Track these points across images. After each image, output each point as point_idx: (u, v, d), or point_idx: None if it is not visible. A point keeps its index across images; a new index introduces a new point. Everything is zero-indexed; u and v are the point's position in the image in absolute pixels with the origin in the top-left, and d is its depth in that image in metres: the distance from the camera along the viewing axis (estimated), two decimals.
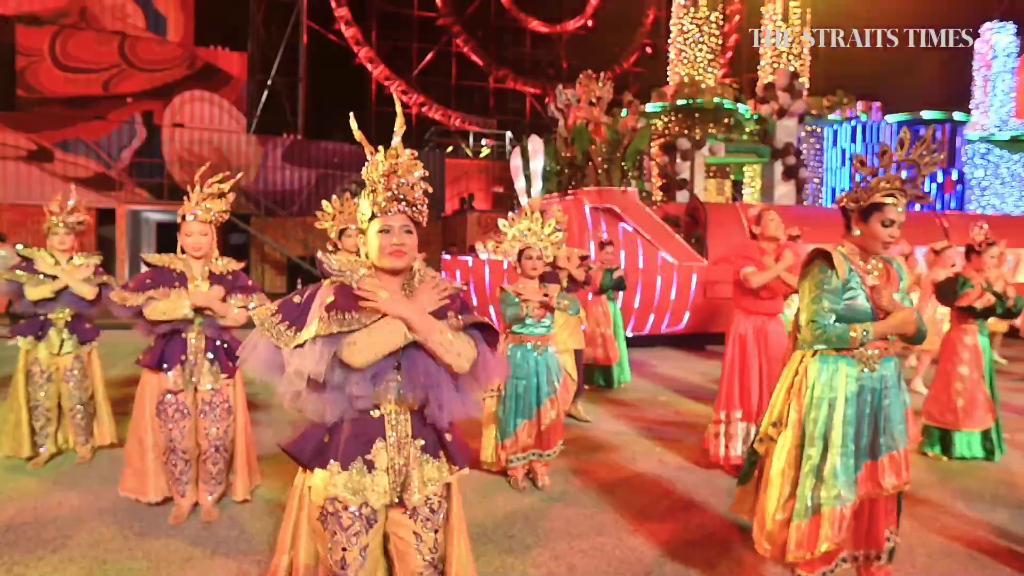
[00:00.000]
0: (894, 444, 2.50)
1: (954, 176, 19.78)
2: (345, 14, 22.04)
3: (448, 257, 11.68)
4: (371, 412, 1.74)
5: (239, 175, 3.43)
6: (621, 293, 6.60)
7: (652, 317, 9.36)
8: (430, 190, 1.85)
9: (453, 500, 1.87)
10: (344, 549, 1.71)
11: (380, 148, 1.82)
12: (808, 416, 2.50)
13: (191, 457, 3.30)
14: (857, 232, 2.49)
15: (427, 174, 1.84)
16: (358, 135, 1.86)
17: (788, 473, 2.54)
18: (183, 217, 3.22)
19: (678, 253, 9.30)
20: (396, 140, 1.81)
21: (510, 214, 3.98)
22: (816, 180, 19.12)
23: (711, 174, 18.60)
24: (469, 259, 10.55)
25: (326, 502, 1.72)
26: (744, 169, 19.31)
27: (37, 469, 4.06)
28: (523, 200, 10.58)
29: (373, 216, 1.78)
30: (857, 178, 2.54)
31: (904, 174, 2.45)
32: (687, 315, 9.46)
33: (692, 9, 17.88)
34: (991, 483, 4.06)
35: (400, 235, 1.76)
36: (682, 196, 14.62)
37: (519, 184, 10.20)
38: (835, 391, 2.46)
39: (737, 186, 20.00)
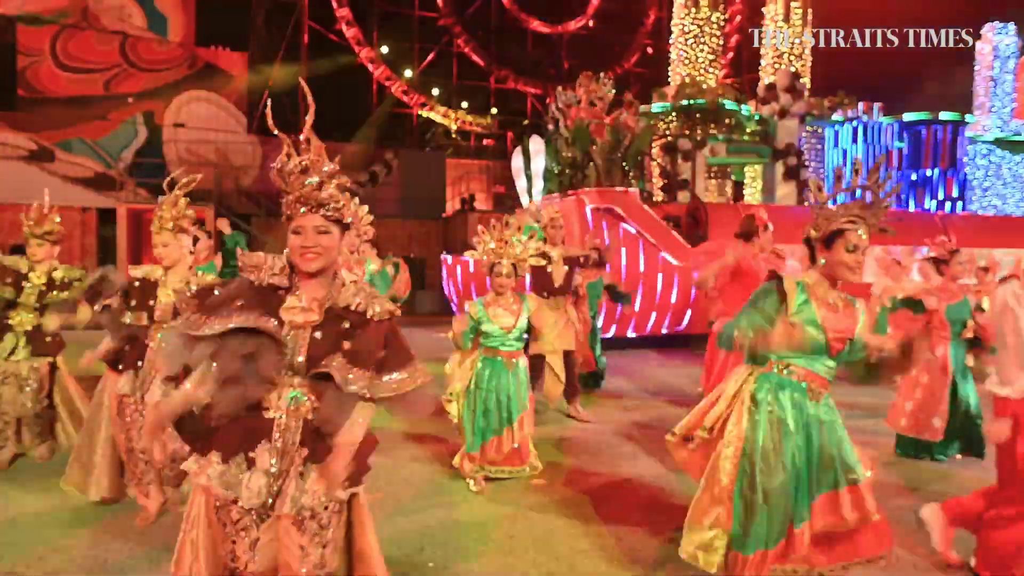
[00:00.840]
0: (855, 476, 2.43)
1: (956, 191, 19.77)
2: (346, 14, 22.02)
3: (448, 258, 11.66)
4: (264, 413, 1.70)
5: (199, 176, 3.33)
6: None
7: (653, 318, 9.36)
8: (347, 184, 1.75)
9: (356, 518, 1.80)
10: (233, 542, 1.69)
11: (287, 141, 1.73)
12: (755, 437, 2.42)
13: (150, 457, 3.28)
14: (822, 261, 2.45)
15: (336, 169, 1.72)
16: (271, 124, 1.79)
17: (728, 491, 2.51)
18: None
19: (679, 254, 9.30)
20: (306, 132, 1.72)
21: (506, 219, 3.95)
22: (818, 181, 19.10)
23: (712, 175, 18.58)
24: (470, 260, 10.54)
25: (208, 493, 1.70)
26: (745, 170, 19.29)
27: (3, 470, 4.05)
28: (524, 200, 10.59)
29: (288, 216, 1.71)
30: (815, 203, 2.55)
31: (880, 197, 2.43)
32: (688, 316, 9.45)
33: (693, 9, 17.87)
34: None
35: (312, 236, 1.69)
36: (683, 197, 14.61)
37: (520, 184, 10.21)
38: (784, 413, 2.41)
39: (738, 187, 19.97)
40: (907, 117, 19.92)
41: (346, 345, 1.70)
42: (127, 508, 3.39)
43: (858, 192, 2.45)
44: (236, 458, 1.68)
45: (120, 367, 3.22)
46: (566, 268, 5.27)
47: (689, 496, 3.76)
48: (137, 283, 3.22)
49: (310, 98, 1.80)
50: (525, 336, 4.01)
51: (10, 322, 4.04)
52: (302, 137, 1.71)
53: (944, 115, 19.87)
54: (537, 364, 4.66)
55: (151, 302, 3.19)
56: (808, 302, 2.40)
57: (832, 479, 2.43)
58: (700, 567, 2.55)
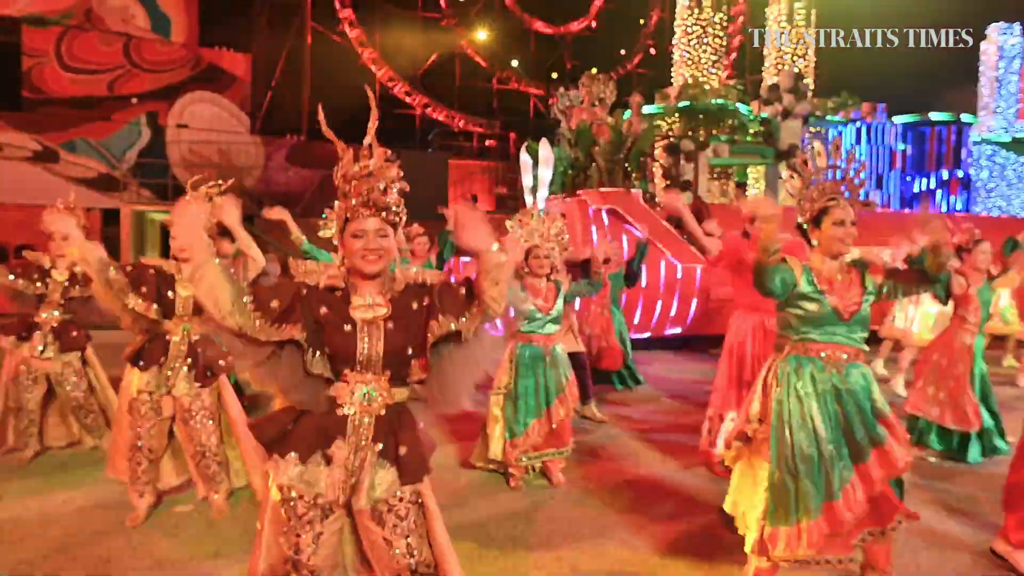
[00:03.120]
0: (878, 438, 2.51)
1: (961, 176, 19.71)
2: (349, 15, 22.07)
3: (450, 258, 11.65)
4: (337, 410, 1.76)
5: (231, 181, 3.40)
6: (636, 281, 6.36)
7: (655, 319, 9.34)
8: (407, 189, 1.81)
9: (428, 505, 1.86)
10: (298, 535, 1.75)
11: (349, 149, 1.77)
12: (784, 418, 2.52)
13: (156, 458, 3.29)
14: (816, 242, 2.60)
15: (401, 175, 1.79)
16: (326, 131, 1.83)
17: (766, 474, 2.55)
18: (171, 221, 3.22)
19: (681, 255, 9.29)
20: (368, 139, 1.78)
21: (515, 218, 3.99)
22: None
23: (715, 176, 18.56)
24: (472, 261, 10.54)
25: (283, 490, 1.76)
26: (748, 171, 19.25)
27: (23, 468, 4.09)
28: (528, 199, 10.58)
29: (347, 220, 1.76)
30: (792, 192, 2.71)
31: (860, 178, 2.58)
32: (690, 317, 9.44)
33: (696, 10, 17.85)
34: (992, 485, 4.04)
35: (374, 240, 1.74)
36: (685, 198, 14.60)
37: (527, 181, 10.18)
38: (807, 390, 2.50)
39: (741, 188, 19.94)
40: (911, 118, 19.86)
41: (425, 316, 1.78)
42: (129, 507, 3.39)
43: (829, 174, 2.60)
44: (314, 456, 1.74)
45: (141, 363, 3.19)
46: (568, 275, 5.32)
47: (692, 498, 3.77)
48: (152, 270, 3.16)
49: (374, 105, 1.85)
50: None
51: (37, 320, 4.09)
52: (365, 143, 1.76)
53: (948, 116, 19.82)
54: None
55: (169, 294, 3.18)
56: (812, 282, 2.55)
57: (861, 452, 2.49)
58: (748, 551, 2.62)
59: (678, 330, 9.52)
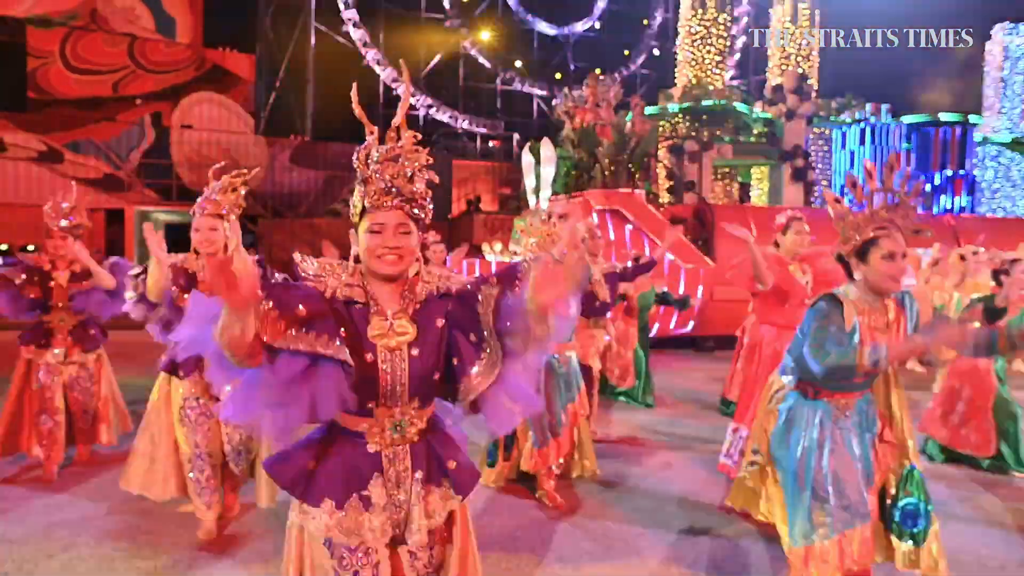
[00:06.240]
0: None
1: (965, 193, 19.63)
2: (353, 16, 22.11)
3: (449, 258, 11.63)
4: (366, 447, 1.57)
5: (256, 170, 3.32)
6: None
7: (658, 320, 9.33)
8: (435, 180, 1.61)
9: (458, 519, 1.70)
10: (356, 572, 1.58)
11: (375, 130, 1.57)
12: (803, 451, 2.34)
13: (216, 462, 3.19)
14: (858, 277, 2.23)
15: (431, 161, 1.57)
16: (357, 111, 1.59)
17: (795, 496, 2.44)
18: (193, 213, 3.13)
19: (685, 255, 9.27)
20: (398, 120, 1.55)
21: (525, 220, 3.91)
22: (824, 182, 19.02)
23: (718, 176, 18.54)
24: (476, 261, 10.54)
25: (325, 540, 1.58)
26: (752, 171, 19.22)
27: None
28: (531, 200, 10.58)
29: (364, 211, 1.53)
30: (836, 216, 2.34)
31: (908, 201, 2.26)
32: (693, 318, 9.43)
33: (700, 11, 17.83)
34: (1014, 499, 4.02)
35: (395, 236, 1.51)
36: (689, 198, 14.58)
37: (529, 182, 10.18)
38: (819, 431, 2.32)
39: (744, 188, 19.91)
40: (915, 119, 19.80)
41: (453, 337, 1.56)
42: (135, 509, 3.40)
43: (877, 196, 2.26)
44: (351, 501, 1.55)
45: (180, 373, 3.13)
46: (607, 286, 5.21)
47: (696, 500, 3.76)
48: (180, 273, 3.10)
49: (407, 80, 1.62)
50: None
51: (52, 327, 4.01)
52: (393, 124, 1.54)
53: (952, 117, 19.75)
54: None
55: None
56: (855, 325, 2.20)
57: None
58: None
59: (681, 331, 9.51)
